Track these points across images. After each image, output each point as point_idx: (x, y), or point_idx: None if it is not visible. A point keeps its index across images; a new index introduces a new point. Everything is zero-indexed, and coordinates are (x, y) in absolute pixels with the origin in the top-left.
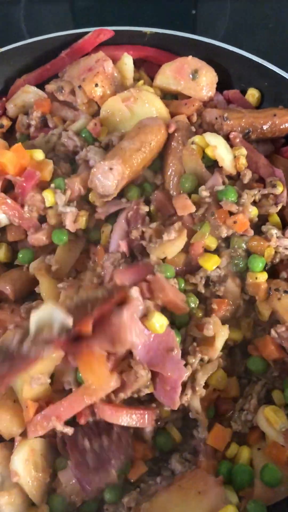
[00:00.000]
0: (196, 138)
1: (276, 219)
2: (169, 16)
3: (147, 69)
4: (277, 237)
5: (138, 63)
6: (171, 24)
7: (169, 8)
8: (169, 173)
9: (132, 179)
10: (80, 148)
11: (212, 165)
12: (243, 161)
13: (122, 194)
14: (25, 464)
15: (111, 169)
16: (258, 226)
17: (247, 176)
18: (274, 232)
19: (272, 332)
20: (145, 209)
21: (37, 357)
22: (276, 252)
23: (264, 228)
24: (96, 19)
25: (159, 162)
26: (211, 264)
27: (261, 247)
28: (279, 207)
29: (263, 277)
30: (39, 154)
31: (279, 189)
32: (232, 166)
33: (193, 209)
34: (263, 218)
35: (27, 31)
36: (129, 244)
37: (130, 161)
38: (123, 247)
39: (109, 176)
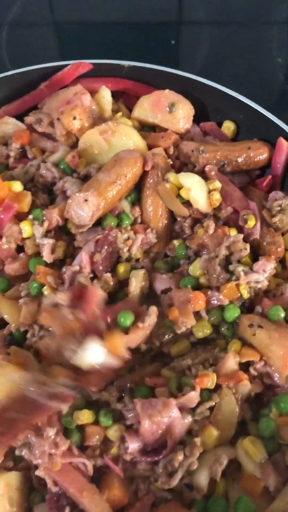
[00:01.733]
0: (171, 177)
1: (248, 260)
2: (149, 46)
3: (125, 101)
4: (245, 274)
5: (117, 95)
6: (151, 54)
7: (149, 38)
8: (146, 206)
9: (107, 210)
10: (58, 179)
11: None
12: (216, 196)
13: (100, 222)
14: (0, 499)
15: (86, 200)
16: (226, 266)
17: (224, 212)
18: (241, 269)
19: (251, 369)
20: (116, 235)
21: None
22: (249, 287)
23: (231, 267)
24: (78, 51)
25: (137, 194)
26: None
27: (234, 291)
28: (247, 248)
29: None
30: (17, 186)
31: (250, 223)
32: (206, 205)
33: None
34: (229, 258)
35: (9, 60)
36: (91, 263)
37: (105, 193)
38: (86, 263)
39: (84, 208)
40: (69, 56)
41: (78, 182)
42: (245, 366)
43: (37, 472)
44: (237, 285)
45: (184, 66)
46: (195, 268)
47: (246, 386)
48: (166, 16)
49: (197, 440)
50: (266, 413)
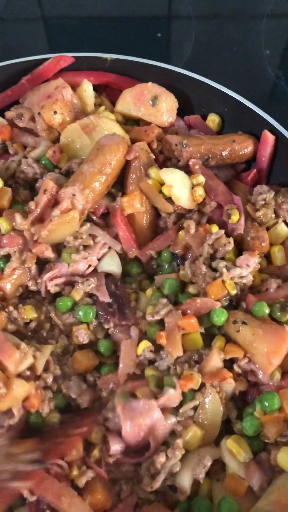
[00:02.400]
0: (152, 173)
1: (232, 257)
2: (136, 39)
3: (108, 94)
4: (228, 269)
5: (100, 89)
6: (138, 47)
7: (136, 31)
8: None
9: (96, 202)
10: (39, 175)
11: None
12: (200, 192)
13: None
14: None
15: (74, 195)
16: (209, 263)
17: (208, 207)
18: (223, 265)
19: (235, 367)
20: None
21: None
22: (235, 284)
23: (214, 264)
24: (65, 45)
25: (119, 188)
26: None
27: (221, 288)
28: (231, 242)
29: None
30: None
31: (234, 218)
32: (189, 201)
33: None
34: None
35: None
36: None
37: (92, 185)
38: None
39: (73, 203)
40: (56, 50)
41: (61, 178)
42: (229, 364)
43: (10, 484)
44: (223, 282)
45: (171, 59)
46: (186, 274)
47: (230, 384)
48: (153, 10)
49: (179, 442)
50: (251, 411)
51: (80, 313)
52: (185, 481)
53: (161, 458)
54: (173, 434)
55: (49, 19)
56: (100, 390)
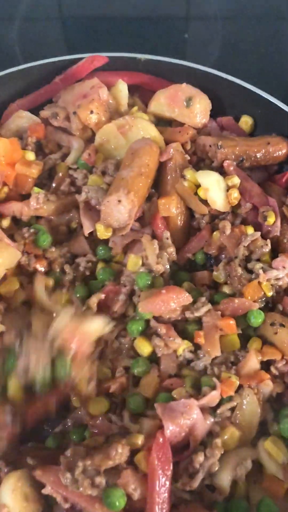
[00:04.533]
0: (188, 174)
1: (267, 259)
2: (161, 40)
3: (141, 95)
4: (264, 271)
5: (132, 89)
6: (163, 48)
7: (161, 32)
8: None
9: (141, 204)
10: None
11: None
12: (235, 195)
13: None
14: (13, 495)
15: (119, 201)
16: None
17: (243, 208)
18: (260, 267)
19: (272, 368)
20: None
21: None
22: (271, 285)
23: (250, 265)
24: (89, 40)
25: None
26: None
27: (257, 289)
28: (268, 244)
29: None
30: (31, 155)
31: (270, 220)
32: (225, 204)
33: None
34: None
35: (21, 54)
36: None
37: (135, 187)
38: None
39: (120, 209)
40: (80, 51)
41: (100, 190)
42: (265, 366)
43: (44, 491)
44: (259, 284)
45: (199, 60)
46: (219, 275)
47: (268, 386)
48: (177, 11)
49: (218, 441)
50: (287, 413)
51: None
52: (224, 481)
53: (200, 457)
54: (210, 434)
55: (71, 18)
56: None
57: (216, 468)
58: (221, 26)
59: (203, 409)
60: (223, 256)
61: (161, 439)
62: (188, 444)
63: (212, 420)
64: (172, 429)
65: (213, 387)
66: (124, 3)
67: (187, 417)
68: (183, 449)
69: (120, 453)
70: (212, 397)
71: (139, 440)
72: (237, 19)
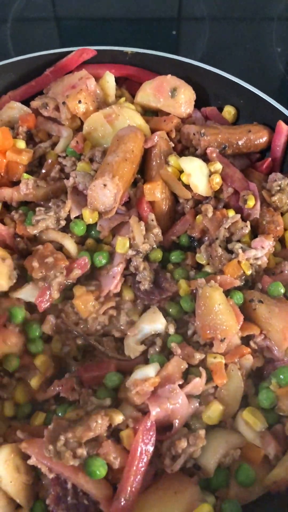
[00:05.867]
0: (171, 160)
1: (247, 240)
2: (151, 36)
3: (128, 87)
4: (244, 251)
5: (120, 81)
6: (153, 45)
7: (150, 29)
8: None
9: (126, 189)
10: (69, 167)
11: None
12: (217, 180)
13: None
14: (5, 465)
15: (105, 185)
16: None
17: (225, 193)
18: (239, 247)
19: (251, 343)
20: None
21: None
22: (250, 265)
23: (230, 246)
24: (81, 39)
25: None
26: None
27: (236, 268)
28: (248, 225)
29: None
30: (21, 143)
31: (250, 203)
32: (206, 189)
33: None
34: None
35: (14, 49)
36: None
37: (120, 172)
38: None
39: (105, 192)
40: (72, 45)
41: (87, 175)
42: (245, 341)
43: (29, 461)
44: (239, 263)
45: (186, 56)
46: (201, 256)
47: (248, 360)
48: (166, 11)
49: (202, 433)
50: (266, 385)
51: None
52: (210, 463)
53: (182, 443)
54: (194, 415)
55: (63, 19)
56: None
57: (198, 455)
58: (208, 26)
59: (188, 395)
60: (206, 238)
61: (148, 423)
62: (172, 424)
63: (196, 404)
64: (158, 413)
65: (200, 376)
66: (113, 5)
67: (173, 402)
68: (166, 429)
69: (100, 423)
70: (196, 385)
71: (120, 415)
72: (224, 20)
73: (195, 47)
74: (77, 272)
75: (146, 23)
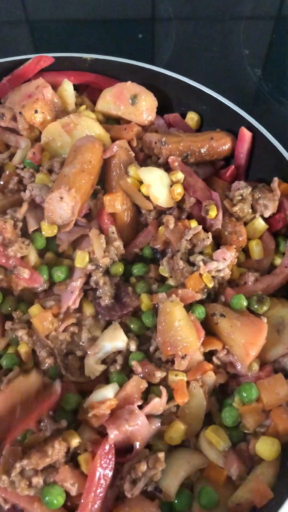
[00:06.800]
0: (131, 171)
1: (210, 252)
2: (119, 41)
3: (89, 94)
4: (205, 263)
5: (80, 88)
6: (120, 49)
7: (118, 33)
8: None
9: (85, 201)
10: (28, 179)
11: None
12: (178, 190)
13: None
14: None
15: (61, 198)
16: (187, 258)
17: (187, 203)
18: (200, 259)
19: (214, 359)
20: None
21: None
22: (212, 277)
23: (191, 258)
24: (49, 48)
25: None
26: None
27: (198, 281)
28: (210, 237)
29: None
30: None
31: (212, 214)
32: (168, 200)
33: None
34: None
35: None
36: None
37: (77, 184)
38: None
39: (62, 206)
40: (40, 52)
41: (44, 187)
42: (208, 357)
43: None
44: (201, 275)
45: (153, 60)
46: (164, 268)
47: (211, 377)
48: (134, 12)
49: (161, 456)
50: (230, 402)
51: None
52: (171, 487)
53: (142, 467)
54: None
55: (33, 22)
56: None
57: (159, 478)
58: (174, 27)
59: (149, 415)
60: (169, 250)
61: (107, 447)
62: (132, 446)
63: (158, 424)
64: (117, 435)
65: (160, 396)
66: (79, 6)
67: (132, 424)
68: (128, 451)
69: (57, 449)
70: (155, 405)
71: (76, 438)
72: (191, 20)
73: (163, 50)
74: None
75: (114, 26)
